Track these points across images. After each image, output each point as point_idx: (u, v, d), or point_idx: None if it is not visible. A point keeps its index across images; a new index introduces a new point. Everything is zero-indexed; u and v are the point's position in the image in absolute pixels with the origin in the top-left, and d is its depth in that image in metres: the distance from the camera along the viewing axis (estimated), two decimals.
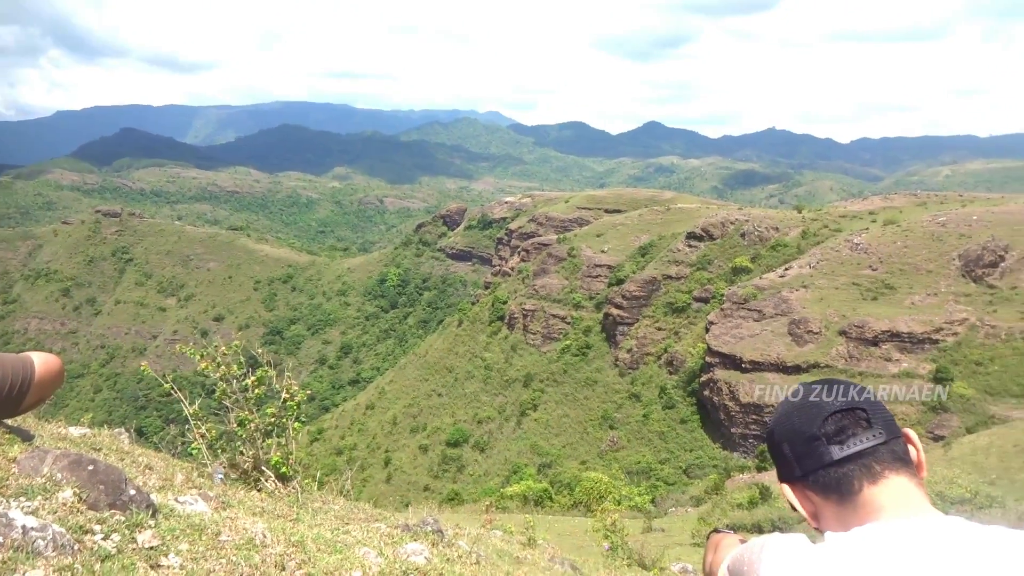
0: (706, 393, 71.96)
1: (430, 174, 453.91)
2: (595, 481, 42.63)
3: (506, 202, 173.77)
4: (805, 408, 1.82)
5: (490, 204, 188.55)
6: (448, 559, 4.14)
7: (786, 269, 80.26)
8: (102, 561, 2.54)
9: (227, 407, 5.88)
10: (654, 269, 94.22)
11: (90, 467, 3.06)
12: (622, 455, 73.67)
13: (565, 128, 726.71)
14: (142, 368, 7.54)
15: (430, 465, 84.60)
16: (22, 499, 2.79)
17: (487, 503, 17.37)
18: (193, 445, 5.66)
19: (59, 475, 3.00)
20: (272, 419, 5.83)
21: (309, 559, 3.31)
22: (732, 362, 70.18)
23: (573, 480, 52.54)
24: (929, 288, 69.51)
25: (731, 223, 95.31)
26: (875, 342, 64.25)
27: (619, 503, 33.35)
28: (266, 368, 6.11)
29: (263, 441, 5.76)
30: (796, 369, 66.72)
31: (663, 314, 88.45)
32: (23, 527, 2.46)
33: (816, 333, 68.36)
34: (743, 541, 1.98)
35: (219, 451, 5.79)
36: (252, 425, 5.70)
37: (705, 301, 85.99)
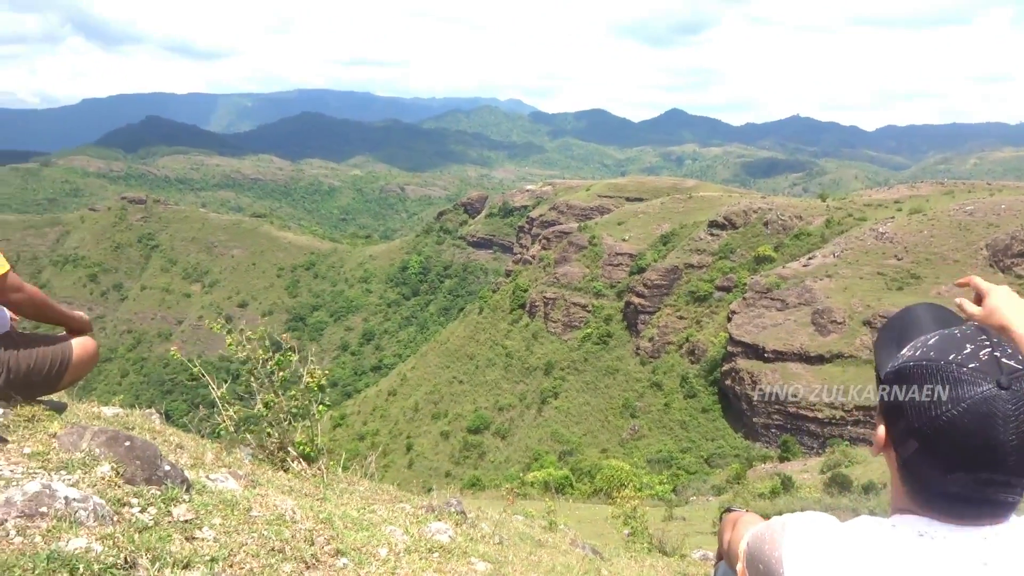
0: (728, 383, 71.66)
1: (451, 162, 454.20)
2: (616, 469, 42.69)
3: (527, 190, 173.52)
4: (992, 403, 1.37)
5: (511, 192, 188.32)
6: (472, 538, 4.21)
7: (810, 258, 79.52)
8: (139, 532, 2.62)
9: (253, 390, 5.99)
10: (676, 258, 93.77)
11: (127, 443, 3.16)
12: (643, 444, 73.67)
13: (586, 116, 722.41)
14: (172, 352, 7.73)
15: (451, 451, 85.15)
16: (63, 472, 2.89)
17: (508, 487, 17.50)
18: (221, 426, 5.77)
19: (97, 450, 3.10)
20: (296, 402, 5.93)
21: (337, 535, 3.39)
22: (754, 352, 69.78)
23: (594, 468, 52.61)
24: (956, 278, 68.13)
25: (754, 212, 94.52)
26: None
27: (640, 491, 33.38)
28: (288, 352, 6.20)
29: (288, 423, 5.86)
30: (819, 359, 66.22)
31: (685, 303, 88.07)
32: (66, 498, 2.55)
33: (840, 323, 67.75)
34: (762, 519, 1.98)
35: (246, 432, 5.90)
36: (277, 407, 5.80)
37: (727, 290, 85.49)
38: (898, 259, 73.02)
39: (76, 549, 2.30)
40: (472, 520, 5.01)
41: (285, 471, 5.35)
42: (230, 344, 5.94)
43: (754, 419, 67.03)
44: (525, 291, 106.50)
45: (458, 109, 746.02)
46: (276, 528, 3.17)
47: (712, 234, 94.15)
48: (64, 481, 2.74)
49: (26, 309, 3.42)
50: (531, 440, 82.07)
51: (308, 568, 2.95)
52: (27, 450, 3.04)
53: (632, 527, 13.65)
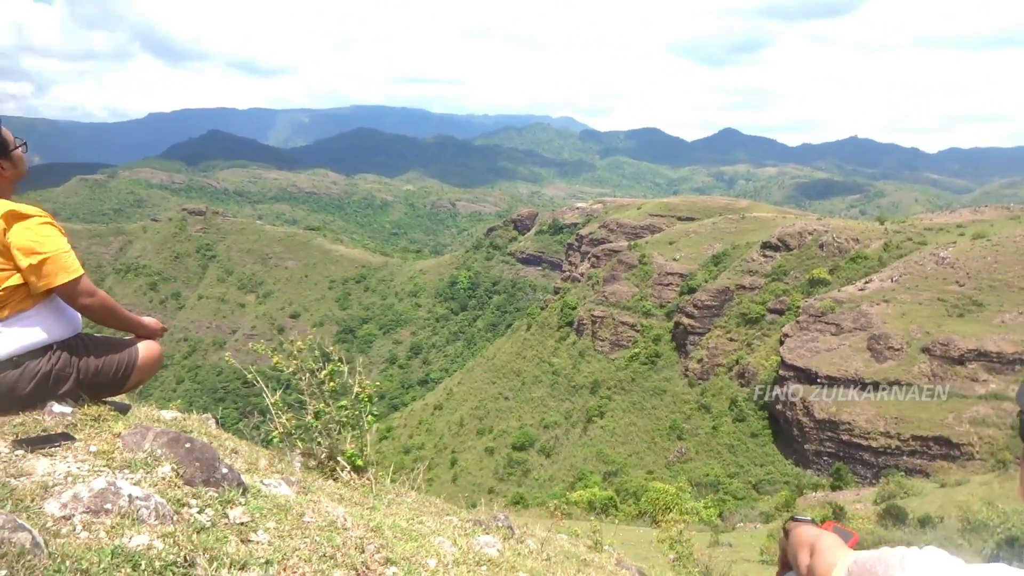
0: (779, 407, 70.14)
1: (502, 179, 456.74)
2: (661, 492, 42.09)
3: (577, 207, 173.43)
4: None
5: (561, 209, 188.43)
6: (519, 553, 4.20)
7: (866, 282, 77.57)
8: (198, 533, 2.69)
9: (304, 399, 6.10)
10: (727, 279, 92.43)
11: (187, 445, 3.25)
12: (690, 467, 72.47)
13: (638, 134, 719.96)
14: (227, 358, 7.94)
15: (495, 467, 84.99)
16: (126, 471, 2.98)
17: (554, 505, 17.39)
18: (273, 434, 5.87)
19: (159, 451, 3.19)
20: (346, 412, 6.00)
21: (387, 544, 3.42)
22: (807, 376, 68.22)
23: (639, 489, 51.97)
24: (1021, 306, 66.01)
25: (809, 233, 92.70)
26: (961, 361, 61.40)
27: (685, 515, 32.81)
28: (337, 363, 6.29)
29: (338, 433, 5.93)
30: (875, 386, 64.38)
31: (735, 325, 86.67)
32: (129, 496, 2.63)
33: (897, 349, 65.81)
34: (844, 531, 1.83)
35: (297, 441, 5.99)
36: (328, 417, 5.89)
37: (780, 313, 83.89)
38: (960, 285, 70.71)
39: (139, 546, 2.37)
40: (519, 536, 5.00)
41: (335, 480, 5.42)
42: (277, 362, 6.06)
43: (805, 446, 65.41)
44: (573, 309, 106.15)
45: (510, 126, 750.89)
46: (328, 534, 3.21)
47: (765, 255, 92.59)
48: (127, 480, 2.82)
49: (97, 313, 3.55)
50: (576, 459, 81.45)
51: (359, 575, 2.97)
52: (93, 448, 3.14)
53: (678, 552, 13.42)
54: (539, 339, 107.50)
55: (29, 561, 1.93)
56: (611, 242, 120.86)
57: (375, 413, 6.43)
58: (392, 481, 6.38)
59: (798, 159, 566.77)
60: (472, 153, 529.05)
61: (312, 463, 5.75)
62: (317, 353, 6.22)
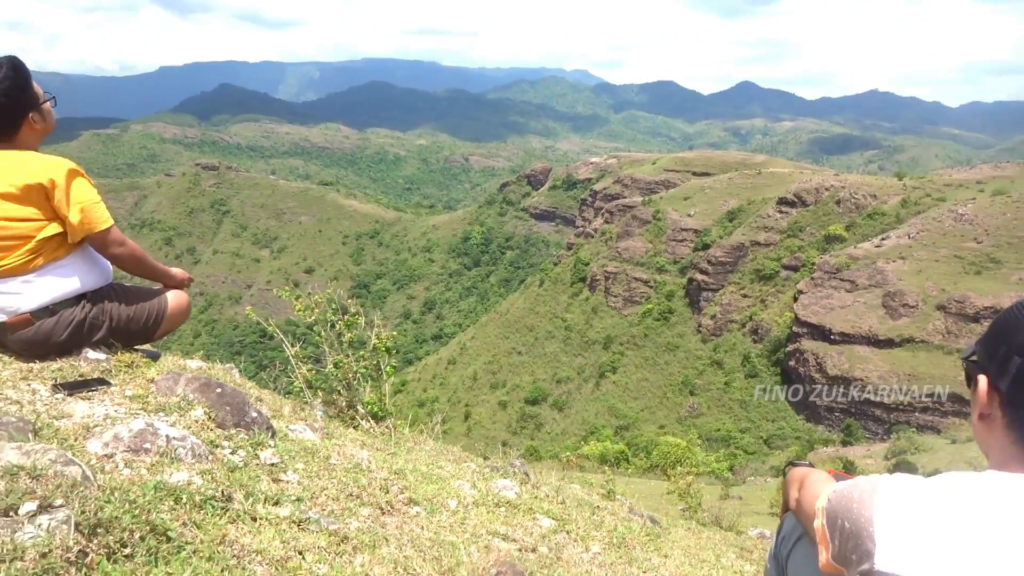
0: (792, 363, 70.31)
1: (515, 133, 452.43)
2: (673, 446, 42.62)
3: (591, 162, 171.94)
4: None
5: (575, 164, 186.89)
6: (536, 497, 4.35)
7: (883, 239, 76.96)
8: (231, 471, 2.82)
9: (320, 352, 6.23)
10: (742, 235, 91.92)
11: (218, 390, 3.37)
12: (701, 422, 73.11)
13: (653, 87, 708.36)
14: (248, 311, 8.08)
15: (509, 421, 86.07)
16: (161, 414, 3.11)
17: (567, 456, 17.70)
18: (295, 383, 6.02)
19: (191, 396, 3.31)
20: (365, 363, 6.14)
21: (409, 486, 3.56)
22: (821, 333, 68.22)
23: (650, 444, 52.58)
24: None
25: (826, 189, 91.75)
26: (976, 319, 61.13)
27: (696, 468, 33.26)
28: (355, 315, 6.41)
29: (357, 383, 6.07)
30: (889, 343, 64.36)
31: (749, 281, 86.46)
32: (167, 436, 2.76)
33: (912, 307, 65.59)
34: (842, 477, 1.92)
35: (317, 390, 6.14)
36: (346, 367, 6.02)
37: (795, 269, 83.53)
38: (978, 242, 70.04)
39: (179, 482, 2.50)
40: (534, 482, 5.15)
41: (355, 428, 5.56)
42: (299, 310, 6.17)
43: (817, 401, 65.74)
44: (586, 265, 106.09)
45: (523, 79, 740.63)
46: (354, 475, 3.35)
47: (781, 211, 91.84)
48: (164, 422, 2.95)
49: (127, 263, 3.65)
50: (588, 413, 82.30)
51: (384, 514, 3.11)
52: (128, 393, 3.27)
53: (687, 503, 13.65)
54: (552, 295, 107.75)
55: (82, 491, 2.06)
56: (625, 197, 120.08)
57: (393, 365, 6.57)
58: (410, 430, 6.55)
59: (816, 113, 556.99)
60: (484, 107, 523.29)
61: (333, 412, 5.90)
62: (335, 306, 6.34)
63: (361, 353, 6.16)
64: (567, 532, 3.88)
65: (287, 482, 3.00)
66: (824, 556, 1.56)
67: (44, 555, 1.79)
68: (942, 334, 62.25)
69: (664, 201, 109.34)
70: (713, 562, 5.00)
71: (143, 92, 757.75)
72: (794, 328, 71.45)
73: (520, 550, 3.32)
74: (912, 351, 62.88)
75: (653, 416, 78.01)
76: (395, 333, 6.57)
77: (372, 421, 5.79)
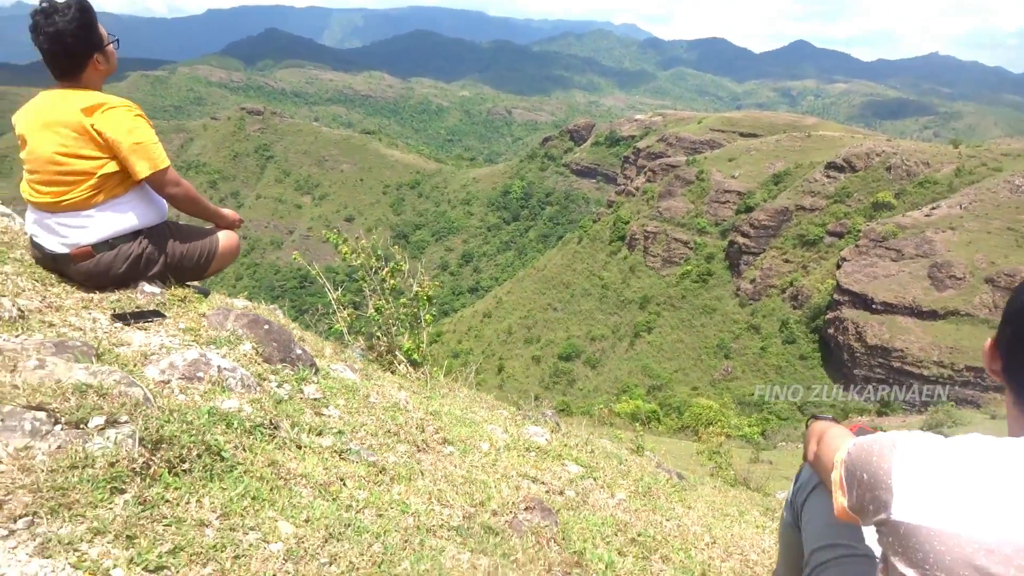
0: (831, 331, 69.43)
1: (560, 87, 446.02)
2: (705, 408, 42.66)
3: (636, 120, 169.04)
4: None
5: (619, 121, 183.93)
6: (566, 445, 4.48)
7: (933, 208, 74.86)
8: (278, 403, 2.98)
9: (360, 298, 6.39)
10: (787, 199, 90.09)
11: (265, 326, 3.53)
12: (735, 385, 72.86)
13: (703, 44, 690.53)
14: (294, 256, 8.30)
15: (541, 376, 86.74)
16: (212, 347, 3.28)
17: (599, 410, 17.89)
18: (337, 325, 6.19)
19: (240, 331, 3.47)
20: (405, 309, 6.28)
21: (444, 427, 3.71)
22: (862, 302, 67.11)
23: (683, 405, 52.69)
24: None
25: (877, 155, 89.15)
26: None
27: (728, 430, 33.30)
28: (399, 263, 6.54)
29: (396, 329, 6.22)
30: (932, 315, 63.09)
31: (792, 246, 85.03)
32: (218, 367, 2.92)
33: (959, 279, 64.04)
34: (866, 431, 1.97)
35: (356, 335, 6.31)
36: (388, 312, 6.17)
37: (839, 236, 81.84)
38: None
39: (230, 408, 2.66)
40: (565, 432, 5.28)
41: (392, 373, 5.72)
42: (345, 252, 6.31)
43: (855, 371, 65.01)
44: (626, 223, 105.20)
45: (570, 32, 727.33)
46: (392, 414, 3.50)
47: (829, 176, 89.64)
48: (216, 354, 3.11)
49: (182, 203, 3.80)
50: (621, 372, 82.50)
51: (419, 451, 3.26)
52: (182, 325, 3.44)
53: (716, 462, 13.76)
54: (590, 252, 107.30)
55: (144, 410, 2.22)
56: (669, 156, 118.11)
57: (432, 313, 6.71)
58: (445, 378, 6.72)
59: (871, 75, 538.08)
60: (529, 59, 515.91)
61: (371, 356, 6.06)
62: (379, 252, 6.48)
63: (402, 300, 6.30)
64: (594, 479, 4.00)
65: (329, 416, 3.16)
66: (840, 504, 1.61)
67: (112, 464, 1.95)
68: (989, 308, 60.78)
69: (708, 161, 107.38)
70: (736, 516, 5.10)
71: (190, 34, 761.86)
72: (835, 296, 70.35)
73: (548, 492, 3.46)
74: (956, 324, 61.59)
75: (687, 378, 77.93)
76: (437, 283, 6.71)
77: (409, 367, 5.96)
